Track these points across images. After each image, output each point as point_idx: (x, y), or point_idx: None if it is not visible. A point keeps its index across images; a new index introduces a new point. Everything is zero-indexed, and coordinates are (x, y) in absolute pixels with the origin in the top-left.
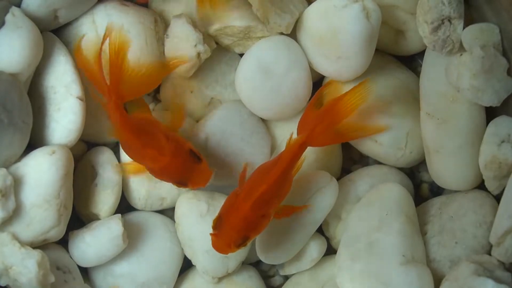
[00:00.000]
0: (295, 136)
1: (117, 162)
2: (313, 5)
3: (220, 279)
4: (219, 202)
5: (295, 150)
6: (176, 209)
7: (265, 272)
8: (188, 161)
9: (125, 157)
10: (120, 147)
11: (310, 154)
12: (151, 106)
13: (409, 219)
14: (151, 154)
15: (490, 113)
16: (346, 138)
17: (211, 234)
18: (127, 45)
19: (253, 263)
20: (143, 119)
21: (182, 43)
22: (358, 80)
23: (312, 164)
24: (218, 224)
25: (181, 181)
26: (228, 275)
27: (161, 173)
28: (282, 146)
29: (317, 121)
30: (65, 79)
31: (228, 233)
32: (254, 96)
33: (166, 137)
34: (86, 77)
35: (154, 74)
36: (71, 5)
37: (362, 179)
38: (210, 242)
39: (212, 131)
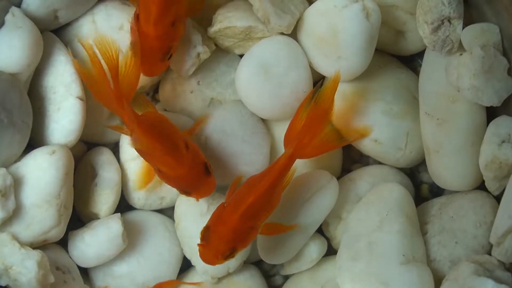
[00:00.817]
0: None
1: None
2: (314, 5)
3: (220, 279)
4: (219, 201)
5: (284, 163)
6: (175, 208)
7: (266, 272)
8: (199, 174)
9: (125, 157)
10: (121, 147)
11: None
12: None
13: (410, 219)
14: (171, 162)
15: (491, 113)
16: (334, 146)
17: (198, 244)
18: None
19: (255, 262)
20: (162, 121)
21: (182, 44)
22: (358, 80)
23: (312, 164)
24: (206, 235)
25: (188, 191)
26: (228, 275)
27: (172, 180)
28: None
29: (302, 133)
30: (65, 79)
31: (216, 244)
32: (254, 96)
33: (186, 146)
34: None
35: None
36: (71, 5)
37: (363, 178)
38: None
39: (212, 131)
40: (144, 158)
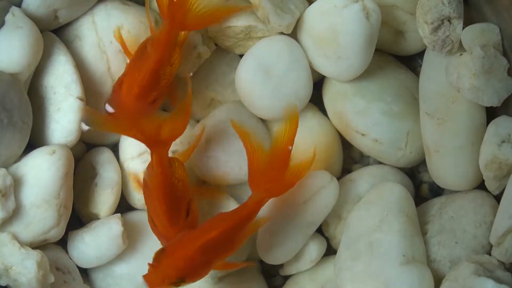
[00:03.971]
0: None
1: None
2: (314, 5)
3: (221, 279)
4: (220, 201)
5: (253, 207)
6: None
7: (266, 272)
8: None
9: (125, 156)
10: (121, 146)
11: (310, 153)
12: None
13: (410, 219)
14: (165, 222)
15: (491, 113)
16: (298, 179)
17: (149, 264)
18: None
19: None
20: (181, 180)
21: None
22: (358, 80)
23: (313, 164)
24: (159, 257)
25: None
26: (228, 275)
27: (159, 236)
28: None
29: (268, 175)
30: (65, 79)
31: (166, 269)
32: (254, 96)
33: (187, 213)
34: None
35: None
36: (71, 5)
37: (363, 178)
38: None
39: (213, 132)
40: (144, 197)
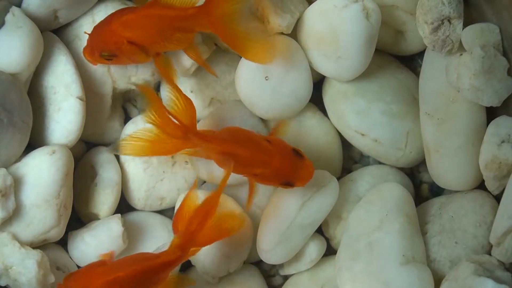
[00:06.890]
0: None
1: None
2: (313, 5)
3: (220, 279)
4: (220, 201)
5: (174, 257)
6: (176, 209)
7: (266, 272)
8: (294, 160)
9: (125, 156)
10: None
11: (310, 153)
12: None
13: (410, 219)
14: (262, 159)
15: (491, 113)
16: (225, 235)
17: (58, 283)
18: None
19: (254, 263)
20: (234, 129)
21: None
22: (358, 80)
23: (313, 164)
24: (69, 279)
25: (289, 182)
26: (228, 275)
27: (271, 177)
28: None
29: (193, 221)
30: (65, 79)
31: None
32: (254, 96)
33: (268, 141)
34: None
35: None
36: (71, 5)
37: (363, 178)
38: None
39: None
40: (237, 173)
